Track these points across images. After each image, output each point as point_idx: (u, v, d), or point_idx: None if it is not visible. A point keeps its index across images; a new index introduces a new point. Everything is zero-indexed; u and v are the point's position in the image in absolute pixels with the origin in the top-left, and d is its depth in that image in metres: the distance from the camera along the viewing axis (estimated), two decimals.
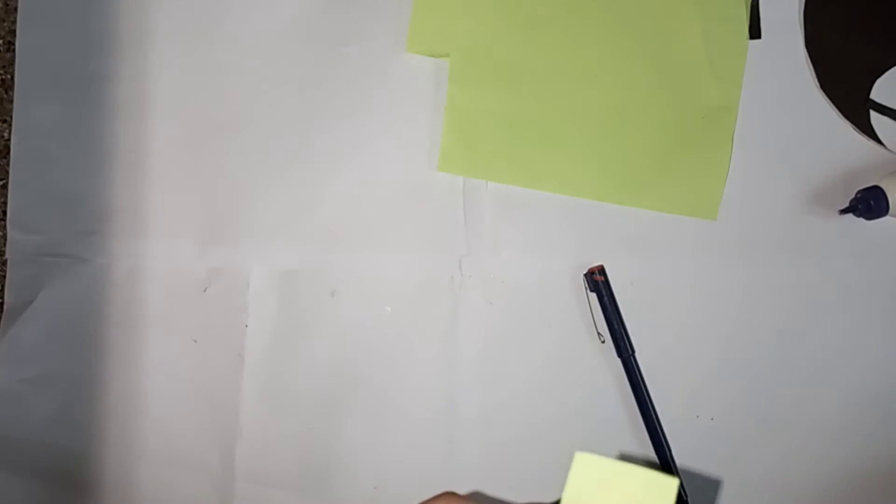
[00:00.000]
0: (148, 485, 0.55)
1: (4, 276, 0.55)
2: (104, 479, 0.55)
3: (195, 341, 0.55)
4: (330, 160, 0.55)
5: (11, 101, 0.56)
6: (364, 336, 0.55)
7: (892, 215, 0.51)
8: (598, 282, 0.53)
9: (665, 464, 0.53)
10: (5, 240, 0.55)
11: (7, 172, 0.56)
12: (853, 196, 0.52)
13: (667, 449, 0.53)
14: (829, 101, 0.54)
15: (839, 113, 0.53)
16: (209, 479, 0.55)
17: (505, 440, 0.54)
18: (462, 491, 0.52)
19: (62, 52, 0.55)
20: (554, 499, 0.30)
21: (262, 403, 0.55)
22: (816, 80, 0.53)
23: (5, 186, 0.56)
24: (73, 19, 0.55)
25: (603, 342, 0.54)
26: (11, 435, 0.55)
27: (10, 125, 0.56)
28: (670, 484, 0.29)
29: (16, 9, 0.56)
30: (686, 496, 0.53)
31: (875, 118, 0.53)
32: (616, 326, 0.53)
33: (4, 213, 0.56)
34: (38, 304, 0.55)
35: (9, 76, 0.56)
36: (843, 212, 0.52)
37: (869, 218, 0.51)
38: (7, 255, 0.55)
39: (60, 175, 0.55)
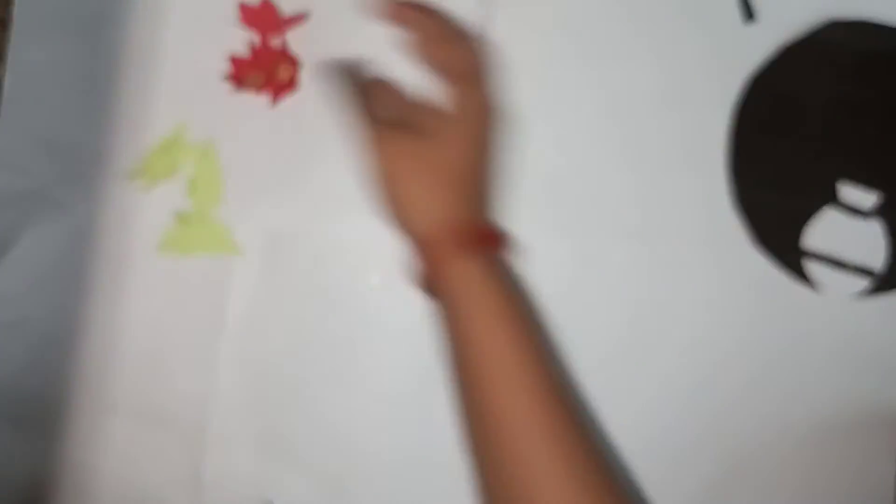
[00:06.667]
0: (117, 437, 0.54)
1: None
2: (73, 428, 0.54)
3: (177, 297, 0.54)
4: (323, 123, 0.54)
5: (8, 41, 0.55)
6: (349, 305, 0.54)
7: None
8: None
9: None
10: None
11: None
12: None
13: None
14: (764, 254, 0.52)
15: (775, 264, 0.52)
16: (179, 438, 0.54)
17: None
18: (439, 462, 0.51)
19: None
20: None
21: (240, 364, 0.54)
22: (750, 236, 0.52)
23: None
24: None
25: None
26: None
27: (6, 64, 0.55)
28: None
29: None
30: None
31: (809, 265, 0.52)
32: None
33: None
34: (18, 248, 0.54)
35: (7, 16, 0.56)
36: None
37: None
38: None
39: (52, 118, 0.55)
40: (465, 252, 0.42)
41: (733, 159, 0.53)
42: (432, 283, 0.43)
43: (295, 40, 0.54)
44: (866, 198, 0.52)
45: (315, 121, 0.54)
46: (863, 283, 0.52)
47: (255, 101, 0.54)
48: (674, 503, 0.50)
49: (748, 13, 0.53)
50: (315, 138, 0.54)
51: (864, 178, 0.52)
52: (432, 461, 0.52)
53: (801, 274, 0.52)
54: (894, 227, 0.52)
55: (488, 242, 0.43)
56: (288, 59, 0.53)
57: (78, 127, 0.55)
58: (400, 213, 0.44)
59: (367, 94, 0.48)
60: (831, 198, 0.52)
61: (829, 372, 0.51)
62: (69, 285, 0.54)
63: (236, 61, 0.54)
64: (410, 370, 0.53)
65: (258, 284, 0.54)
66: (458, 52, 0.48)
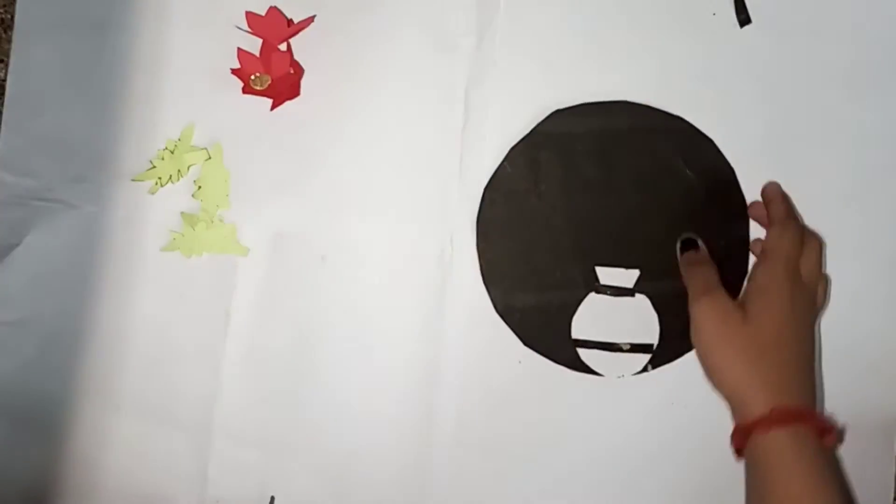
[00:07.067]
0: (123, 435, 0.54)
1: None
2: (78, 427, 0.54)
3: (182, 296, 0.55)
4: (328, 125, 0.55)
5: (10, 42, 0.55)
6: (351, 303, 0.54)
7: None
8: None
9: None
10: None
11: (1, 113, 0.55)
12: None
13: None
14: (536, 353, 0.54)
15: (550, 360, 0.54)
16: (185, 434, 0.54)
17: (485, 410, 0.54)
18: (439, 459, 0.53)
19: None
20: None
21: (244, 362, 0.54)
22: (519, 339, 0.54)
23: None
24: None
25: None
26: None
27: (7, 66, 0.55)
28: None
29: None
30: None
31: (584, 354, 0.53)
32: None
33: None
34: (23, 248, 0.55)
35: (9, 16, 0.56)
36: None
37: None
38: None
39: (56, 119, 0.55)
40: (767, 428, 0.43)
41: (483, 271, 0.54)
42: (740, 444, 0.45)
43: (299, 47, 0.55)
44: (628, 275, 0.52)
45: (318, 124, 0.55)
46: (643, 360, 0.53)
47: (260, 105, 0.55)
48: (675, 502, 0.52)
49: (744, 17, 0.54)
50: (318, 141, 0.55)
51: (620, 258, 0.52)
52: (432, 457, 0.53)
53: (576, 366, 0.53)
54: (657, 301, 0.52)
55: (795, 420, 0.43)
56: (292, 64, 0.54)
57: (84, 128, 0.55)
58: (710, 377, 0.46)
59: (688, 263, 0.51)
60: (592, 284, 0.53)
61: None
62: (76, 285, 0.55)
63: (244, 55, 0.54)
64: (411, 368, 0.54)
65: (263, 284, 0.55)
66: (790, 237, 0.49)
